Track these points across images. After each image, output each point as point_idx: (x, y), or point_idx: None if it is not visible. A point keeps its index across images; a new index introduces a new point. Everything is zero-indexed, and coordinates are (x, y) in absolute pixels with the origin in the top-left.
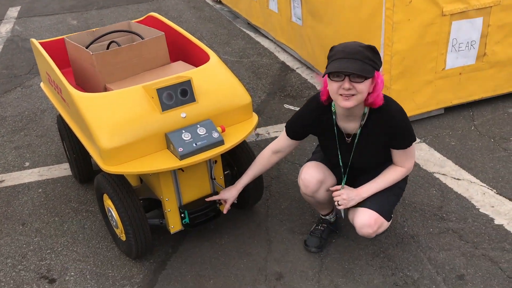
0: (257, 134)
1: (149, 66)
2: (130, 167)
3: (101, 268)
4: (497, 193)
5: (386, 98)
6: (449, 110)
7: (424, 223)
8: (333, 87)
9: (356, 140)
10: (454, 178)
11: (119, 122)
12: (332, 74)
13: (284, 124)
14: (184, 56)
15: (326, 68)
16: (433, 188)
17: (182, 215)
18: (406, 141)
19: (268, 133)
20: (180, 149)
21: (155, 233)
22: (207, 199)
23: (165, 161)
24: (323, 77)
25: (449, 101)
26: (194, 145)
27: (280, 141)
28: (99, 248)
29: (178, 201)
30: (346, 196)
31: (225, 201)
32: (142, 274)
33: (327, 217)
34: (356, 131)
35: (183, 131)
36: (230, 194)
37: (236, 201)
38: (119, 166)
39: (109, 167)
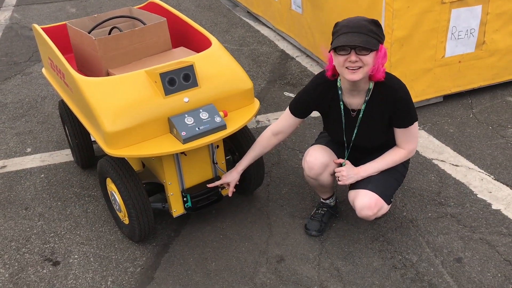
0: (257, 121)
1: (151, 51)
2: (133, 151)
3: (104, 251)
4: (494, 179)
5: (390, 75)
6: (448, 98)
7: (422, 208)
8: (339, 60)
9: (360, 115)
10: (453, 165)
11: (123, 106)
12: (338, 48)
13: (284, 111)
14: (185, 42)
15: (331, 43)
16: (431, 174)
17: (184, 199)
18: (407, 119)
19: (268, 120)
20: (183, 133)
21: (158, 217)
22: (208, 185)
23: (168, 145)
24: (329, 52)
25: (448, 89)
26: (197, 129)
27: (281, 121)
28: (102, 231)
29: (180, 185)
30: (345, 173)
31: (228, 185)
32: (145, 257)
33: (328, 201)
34: (360, 106)
35: (186, 116)
36: (232, 177)
37: (237, 184)
38: (123, 150)
39: (112, 151)
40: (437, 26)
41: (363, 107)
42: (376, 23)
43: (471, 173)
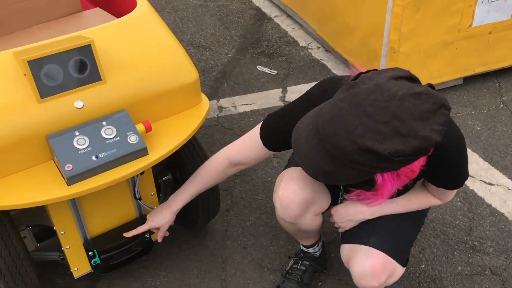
0: (220, 108)
1: (50, 14)
2: None
3: None
4: None
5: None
6: (469, 80)
7: (448, 257)
8: None
9: None
10: (485, 183)
11: None
12: None
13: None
14: (106, 3)
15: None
16: (457, 198)
17: (89, 253)
18: (453, 182)
19: (235, 106)
20: (68, 167)
21: (52, 265)
22: (126, 234)
23: (44, 186)
24: None
25: (472, 69)
26: (93, 158)
27: (245, 149)
28: None
29: (81, 235)
30: (338, 216)
31: (157, 229)
32: None
33: (310, 250)
34: None
35: (77, 134)
36: (162, 220)
37: (172, 224)
38: None
39: None
40: None
41: None
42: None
43: None
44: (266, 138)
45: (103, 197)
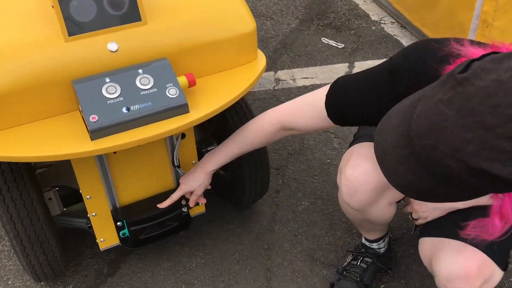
0: (277, 80)
1: None
2: None
3: None
4: None
5: None
6: None
7: None
8: None
9: None
10: None
11: None
12: None
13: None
14: None
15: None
16: None
17: (118, 224)
18: None
19: (294, 79)
20: (93, 118)
21: (80, 234)
22: (160, 205)
23: (63, 139)
24: None
25: None
26: (124, 110)
27: (304, 116)
28: None
29: (110, 202)
30: (420, 203)
31: (191, 194)
32: None
33: (375, 245)
34: None
35: (107, 81)
36: (195, 182)
37: (212, 190)
38: None
39: None
40: None
41: None
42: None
43: None
44: (333, 109)
45: (137, 161)
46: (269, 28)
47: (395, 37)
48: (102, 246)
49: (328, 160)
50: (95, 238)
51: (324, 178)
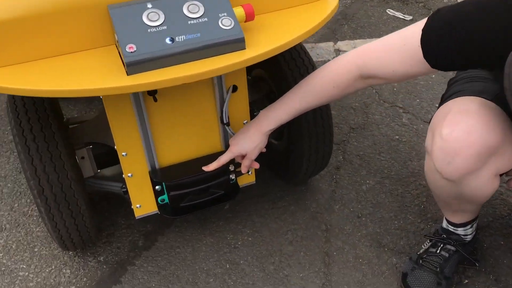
0: (337, 50)
1: None
2: (7, 80)
3: (13, 257)
4: None
5: None
6: None
7: None
8: None
9: None
10: None
11: None
12: None
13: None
14: None
15: None
16: None
17: (156, 187)
18: None
19: None
20: (130, 48)
21: (115, 202)
22: (205, 168)
23: (93, 73)
24: None
25: None
26: (167, 41)
27: (391, 60)
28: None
29: (148, 161)
30: None
31: (242, 158)
32: (77, 278)
33: (460, 230)
34: None
35: (149, 6)
36: (249, 143)
37: (262, 161)
38: None
39: None
40: None
41: None
42: None
43: None
44: (433, 47)
45: (180, 114)
46: None
47: None
48: (138, 213)
49: (397, 137)
50: (130, 205)
51: (392, 155)
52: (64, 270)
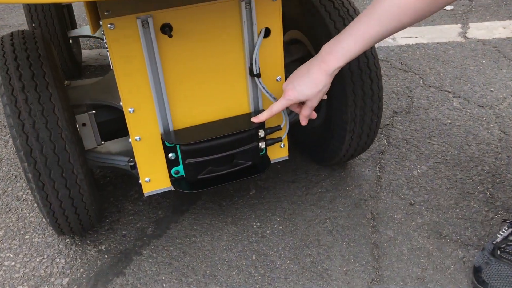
0: None
1: None
2: None
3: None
4: None
5: None
6: None
7: None
8: None
9: None
10: None
11: None
12: None
13: None
14: None
15: None
16: None
17: (170, 155)
18: None
19: (393, 38)
20: None
21: (122, 186)
22: (254, 119)
23: None
24: None
25: None
26: None
27: None
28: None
29: (161, 121)
30: None
31: (299, 106)
32: (72, 269)
33: None
34: None
35: None
36: (311, 88)
37: (325, 97)
38: None
39: None
40: None
41: None
42: None
43: None
44: None
45: (201, 61)
46: None
47: None
48: (147, 189)
49: (449, 121)
50: (141, 193)
51: (445, 140)
52: (58, 260)
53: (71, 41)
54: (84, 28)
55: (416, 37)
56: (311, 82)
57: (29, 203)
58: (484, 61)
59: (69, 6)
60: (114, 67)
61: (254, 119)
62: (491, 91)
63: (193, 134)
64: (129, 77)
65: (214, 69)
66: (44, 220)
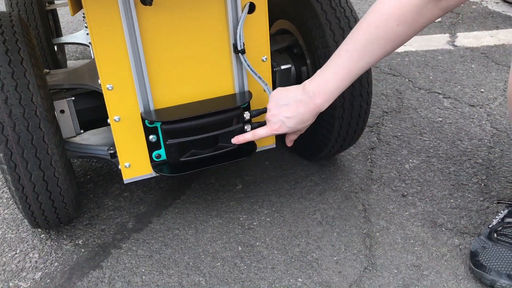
0: None
1: None
2: None
3: None
4: None
5: None
6: None
7: None
8: None
9: None
10: None
11: None
12: None
13: None
14: None
15: None
16: None
17: (151, 137)
18: None
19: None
20: None
21: (103, 184)
22: (234, 140)
23: None
24: None
25: None
26: None
27: None
28: None
29: (141, 99)
30: None
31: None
32: (45, 264)
33: None
34: None
35: None
36: (300, 125)
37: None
38: None
39: None
40: None
41: None
42: None
43: None
44: None
45: (183, 34)
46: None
47: (504, 13)
48: (127, 175)
49: (440, 119)
50: (121, 190)
51: (437, 136)
52: (31, 255)
53: (55, 48)
54: (69, 36)
55: (404, 45)
56: (300, 119)
57: (4, 200)
58: (473, 66)
59: (54, 13)
60: (92, 41)
61: (234, 140)
62: (482, 92)
63: (174, 112)
64: (107, 51)
65: (197, 44)
66: (19, 216)
